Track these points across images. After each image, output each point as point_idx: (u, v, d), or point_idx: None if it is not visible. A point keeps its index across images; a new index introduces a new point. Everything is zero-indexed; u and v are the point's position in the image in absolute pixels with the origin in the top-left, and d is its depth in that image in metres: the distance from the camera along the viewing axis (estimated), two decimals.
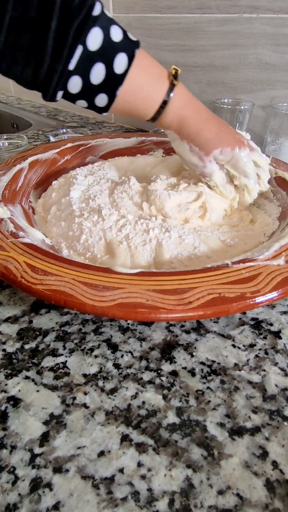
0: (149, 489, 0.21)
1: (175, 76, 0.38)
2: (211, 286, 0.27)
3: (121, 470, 0.22)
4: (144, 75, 0.37)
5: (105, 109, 0.38)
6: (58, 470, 0.22)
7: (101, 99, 0.36)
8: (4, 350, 0.29)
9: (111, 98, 0.36)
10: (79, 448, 0.23)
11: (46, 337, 0.30)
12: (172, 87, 0.38)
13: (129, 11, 0.76)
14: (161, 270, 0.32)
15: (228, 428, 0.24)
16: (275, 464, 0.22)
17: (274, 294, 0.27)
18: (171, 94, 0.38)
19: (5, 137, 0.67)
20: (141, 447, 0.23)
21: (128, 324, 0.32)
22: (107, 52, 0.34)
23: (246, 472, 0.22)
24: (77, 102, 0.37)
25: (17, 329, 0.31)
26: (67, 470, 0.22)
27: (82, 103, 0.37)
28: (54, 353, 0.29)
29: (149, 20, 0.74)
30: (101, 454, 0.22)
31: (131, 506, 0.20)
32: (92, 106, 0.38)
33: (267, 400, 0.26)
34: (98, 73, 0.34)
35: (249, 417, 0.25)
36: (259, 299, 0.26)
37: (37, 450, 0.23)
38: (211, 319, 0.32)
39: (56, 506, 0.20)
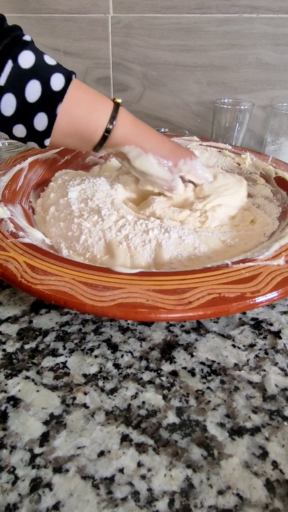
0: (149, 489, 0.21)
1: (115, 103, 0.37)
2: (211, 286, 0.27)
3: (121, 470, 0.22)
4: (86, 95, 0.35)
5: (46, 133, 0.34)
6: (58, 470, 0.22)
7: (41, 120, 0.33)
8: (4, 350, 0.29)
9: (51, 117, 0.33)
10: (79, 448, 0.23)
11: (46, 337, 0.30)
12: (116, 106, 0.36)
13: (129, 11, 0.76)
14: (161, 270, 0.32)
15: (228, 428, 0.24)
16: (275, 464, 0.22)
17: (274, 294, 0.27)
18: (119, 110, 0.36)
19: (5, 137, 0.67)
20: (141, 447, 0.23)
21: (128, 324, 0.32)
22: (42, 70, 0.32)
23: (246, 472, 0.22)
24: (15, 129, 0.34)
25: (17, 329, 0.31)
26: (67, 470, 0.22)
27: (20, 129, 0.34)
28: (54, 353, 0.29)
29: (149, 20, 0.74)
30: (101, 454, 0.22)
31: (131, 506, 0.20)
32: (31, 131, 0.34)
33: (267, 400, 0.26)
34: (33, 90, 0.32)
35: (249, 417, 0.25)
36: (259, 299, 0.26)
37: (37, 450, 0.23)
38: (211, 319, 0.32)
39: (56, 506, 0.20)
